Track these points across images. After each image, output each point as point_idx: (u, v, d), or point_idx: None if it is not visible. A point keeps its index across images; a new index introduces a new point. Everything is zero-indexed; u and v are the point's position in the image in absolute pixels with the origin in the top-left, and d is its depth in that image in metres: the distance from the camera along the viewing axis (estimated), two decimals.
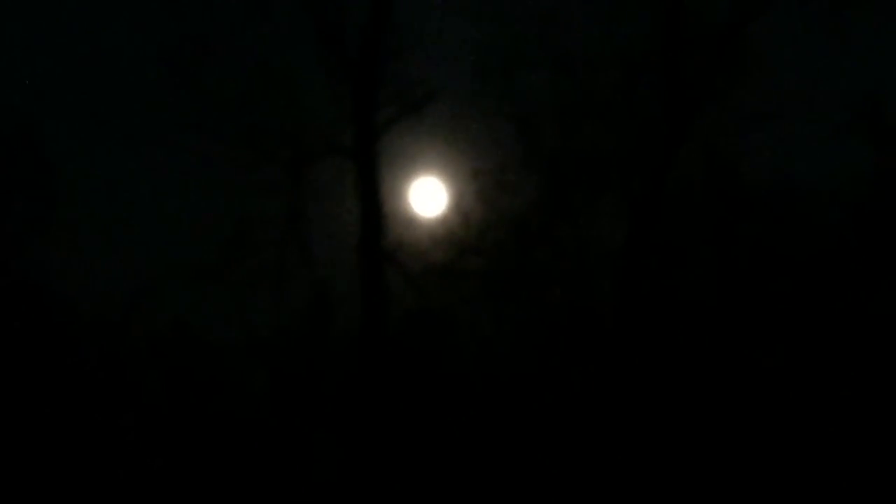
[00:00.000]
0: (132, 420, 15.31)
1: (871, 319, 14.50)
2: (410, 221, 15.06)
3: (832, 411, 14.13)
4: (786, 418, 14.24)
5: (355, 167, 14.67)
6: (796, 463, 14.02)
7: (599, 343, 14.64)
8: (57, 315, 15.43)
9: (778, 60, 14.92)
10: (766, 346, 14.65)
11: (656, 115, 14.99)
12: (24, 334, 15.24)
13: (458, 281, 15.03)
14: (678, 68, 14.88)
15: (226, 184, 14.96)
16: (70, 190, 15.45)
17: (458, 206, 15.04)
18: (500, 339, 15.00)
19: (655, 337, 14.72)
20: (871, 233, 14.92)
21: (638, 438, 14.27)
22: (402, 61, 14.79)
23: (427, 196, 15.10)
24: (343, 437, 14.81)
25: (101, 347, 15.36)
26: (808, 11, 14.59)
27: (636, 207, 14.86)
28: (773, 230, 15.06)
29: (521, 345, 14.96)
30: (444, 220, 15.05)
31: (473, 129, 15.03)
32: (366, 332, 14.54)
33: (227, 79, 14.87)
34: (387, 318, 14.59)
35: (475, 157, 15.06)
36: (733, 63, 14.99)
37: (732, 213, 15.18)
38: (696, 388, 14.48)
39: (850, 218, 15.07)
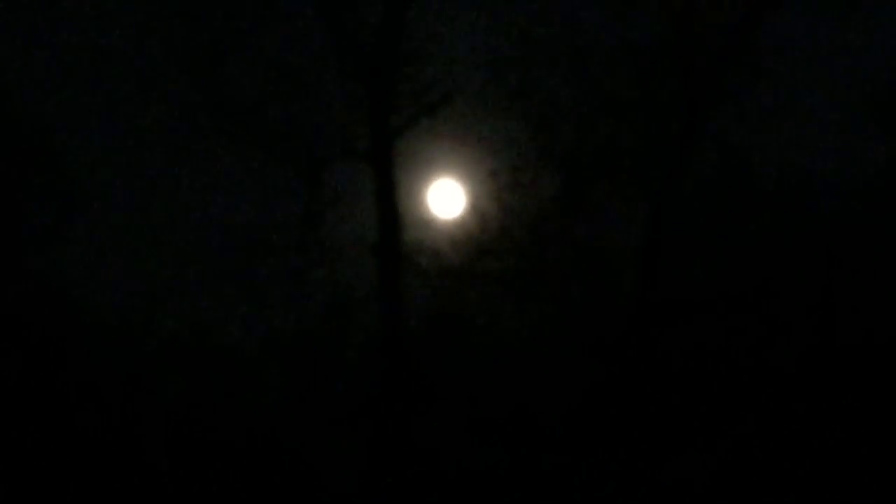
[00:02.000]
0: (150, 423, 15.32)
1: (888, 312, 14.50)
2: (428, 223, 15.06)
3: (851, 404, 14.13)
4: (804, 411, 14.25)
5: (372, 170, 14.67)
6: (813, 457, 14.03)
7: (619, 341, 14.64)
8: (74, 319, 15.44)
9: (792, 54, 14.90)
10: (784, 340, 14.65)
11: (672, 111, 14.97)
12: (41, 338, 15.25)
13: (476, 282, 15.03)
14: (693, 65, 14.85)
15: (243, 187, 15.02)
16: (87, 194, 15.45)
17: (475, 207, 15.03)
18: (519, 339, 15.00)
19: (675, 333, 14.72)
20: (887, 226, 14.91)
21: (657, 435, 14.29)
22: (417, 63, 14.79)
23: (444, 198, 15.10)
24: (362, 440, 14.84)
25: (118, 351, 15.37)
26: (822, 4, 14.59)
27: (654, 205, 14.85)
28: (790, 225, 15.05)
29: (540, 345, 14.96)
30: (461, 222, 15.04)
31: (489, 130, 15.04)
32: (384, 334, 14.54)
33: (243, 82, 14.87)
34: (405, 320, 14.59)
35: (492, 157, 15.06)
36: (748, 58, 14.95)
37: (749, 208, 15.17)
38: (715, 383, 14.49)
39: (867, 212, 15.05)
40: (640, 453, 14.27)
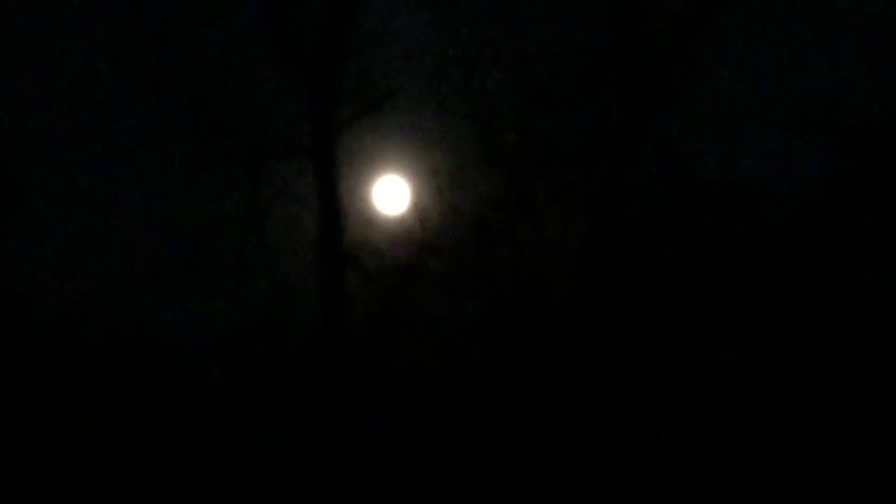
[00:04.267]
0: (90, 421, 15.23)
1: (822, 315, 14.67)
2: (371, 220, 15.05)
3: (784, 404, 14.28)
4: (741, 410, 14.38)
5: (314, 166, 14.65)
6: (757, 459, 14.17)
7: (561, 340, 14.71)
8: (14, 315, 15.32)
9: (734, 58, 15.03)
10: (723, 339, 14.78)
11: (615, 112, 15.06)
12: None
13: (417, 280, 15.05)
14: (637, 66, 14.95)
15: (184, 183, 14.94)
16: (27, 189, 15.33)
17: (417, 204, 15.05)
18: (459, 338, 15.03)
19: (615, 333, 14.81)
20: (823, 230, 15.09)
21: (599, 435, 14.37)
22: (360, 60, 14.79)
23: (388, 195, 15.09)
24: (303, 437, 14.82)
25: (59, 348, 15.26)
26: (766, 9, 14.72)
27: (595, 205, 14.94)
28: (729, 226, 15.19)
29: (480, 344, 15.00)
30: (404, 219, 15.05)
31: (433, 127, 15.06)
32: (325, 331, 14.56)
33: (185, 77, 14.79)
34: (346, 317, 14.61)
35: (435, 155, 15.07)
36: (690, 60, 15.05)
37: (689, 209, 15.28)
38: (656, 382, 14.58)
39: (804, 214, 15.21)
40: (583, 453, 14.34)
